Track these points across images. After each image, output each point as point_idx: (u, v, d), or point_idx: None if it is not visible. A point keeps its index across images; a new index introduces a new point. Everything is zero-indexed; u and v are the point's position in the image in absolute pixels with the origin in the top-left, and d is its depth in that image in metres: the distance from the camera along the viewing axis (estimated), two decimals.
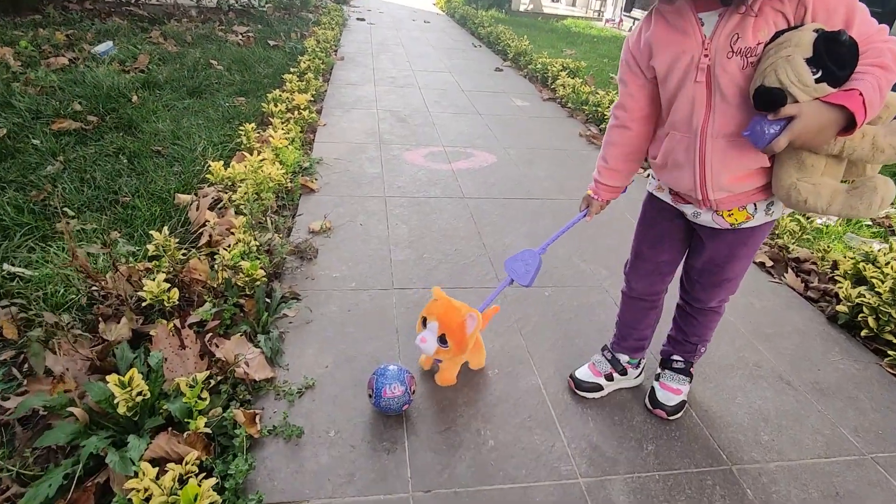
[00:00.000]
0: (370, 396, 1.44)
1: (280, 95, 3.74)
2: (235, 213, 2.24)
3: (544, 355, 1.80)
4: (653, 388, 1.61)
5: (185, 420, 1.32)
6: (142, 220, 2.24)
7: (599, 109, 4.24)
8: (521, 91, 5.23)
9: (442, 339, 1.46)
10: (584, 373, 1.64)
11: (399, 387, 1.43)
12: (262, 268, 1.90)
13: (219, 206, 2.42)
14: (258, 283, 1.82)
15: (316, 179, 2.87)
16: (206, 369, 1.50)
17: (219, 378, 1.48)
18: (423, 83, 5.13)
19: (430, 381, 1.64)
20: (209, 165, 2.58)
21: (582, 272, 2.29)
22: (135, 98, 3.75)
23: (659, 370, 1.64)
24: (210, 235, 2.15)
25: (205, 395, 1.39)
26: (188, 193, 2.50)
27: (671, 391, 1.57)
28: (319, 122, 3.74)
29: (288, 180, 2.64)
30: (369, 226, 2.47)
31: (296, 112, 3.53)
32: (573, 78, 5.05)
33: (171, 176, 2.72)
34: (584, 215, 1.52)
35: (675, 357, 1.60)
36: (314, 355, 1.69)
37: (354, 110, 4.10)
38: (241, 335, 1.63)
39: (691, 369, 1.60)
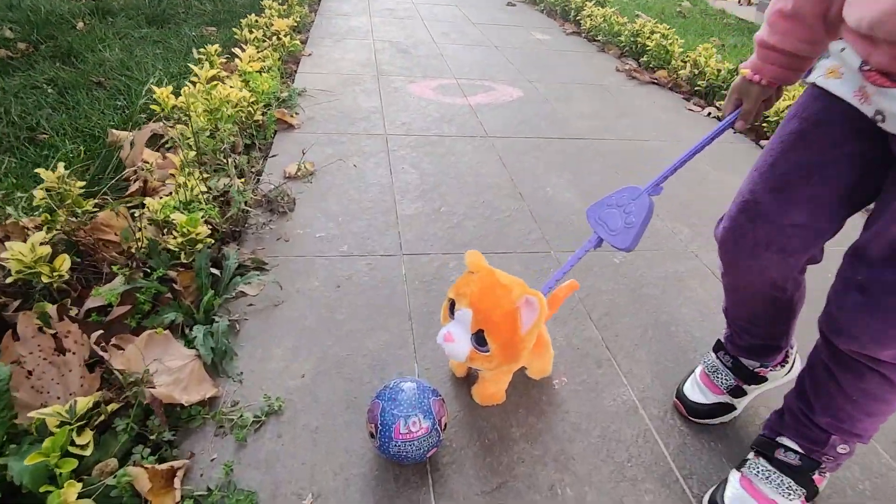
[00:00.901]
0: (373, 435, 0.85)
1: (256, 21, 3.03)
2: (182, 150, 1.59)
3: (632, 353, 1.20)
4: (726, 481, 0.88)
5: (41, 491, 0.73)
6: (60, 163, 1.59)
7: (639, 40, 3.54)
8: (539, 25, 4.50)
9: (479, 338, 0.86)
10: (695, 389, 1.05)
11: (421, 421, 0.83)
12: (208, 223, 1.28)
13: (165, 145, 1.78)
14: (200, 245, 1.21)
15: (297, 114, 2.21)
16: (99, 389, 0.90)
17: (117, 404, 0.88)
18: (426, 15, 4.38)
19: (464, 394, 1.05)
20: (153, 92, 1.92)
21: (656, 231, 1.68)
22: (80, 25, 3.08)
23: (751, 454, 0.90)
24: (145, 181, 1.52)
25: (86, 437, 0.79)
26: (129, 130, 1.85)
27: (759, 500, 0.85)
28: (304, 52, 3.05)
29: (259, 112, 1.98)
30: (366, 169, 1.84)
31: (274, 39, 2.84)
32: (602, 8, 4.32)
33: (111, 111, 2.10)
34: (733, 120, 0.90)
35: (785, 441, 0.87)
36: (284, 358, 1.09)
37: (346, 40, 3.39)
38: (162, 329, 1.02)
39: (815, 476, 0.85)
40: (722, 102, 2.75)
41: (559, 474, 0.92)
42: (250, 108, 1.96)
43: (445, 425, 0.88)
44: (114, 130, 1.88)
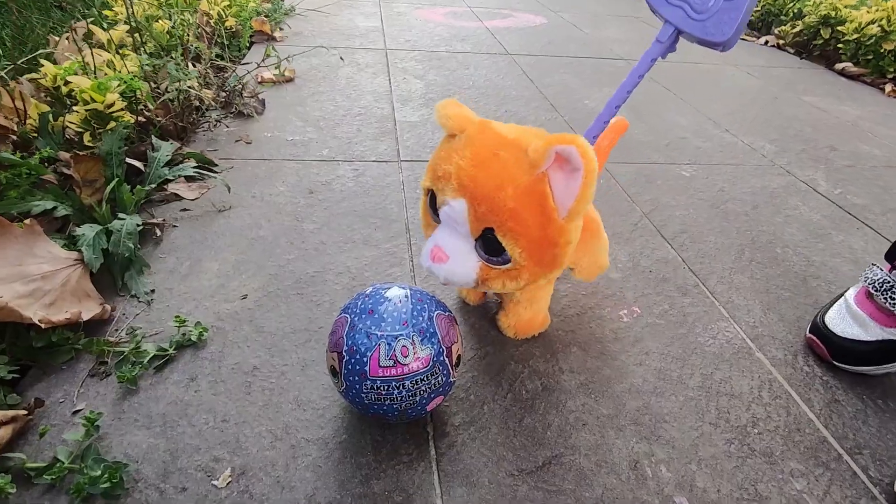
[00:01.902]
0: (335, 373, 0.49)
1: None
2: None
3: (729, 279, 0.84)
4: None
5: None
6: None
7: None
8: None
9: (489, 244, 0.51)
10: (847, 319, 0.68)
11: (417, 346, 0.48)
12: (133, 101, 0.93)
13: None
14: (113, 124, 0.85)
15: (281, 29, 1.85)
16: None
17: None
18: None
19: (486, 325, 0.69)
20: None
21: (731, 145, 1.30)
22: None
23: None
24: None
25: None
26: None
27: None
28: None
29: (232, 19, 1.63)
30: (360, 80, 1.48)
31: None
32: None
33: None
34: None
35: None
36: (222, 275, 0.74)
37: None
38: (26, 223, 0.67)
39: None
40: (783, 29, 2.37)
41: (645, 444, 0.56)
42: (220, 11, 1.60)
43: (459, 359, 0.52)
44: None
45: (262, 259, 0.76)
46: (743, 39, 2.43)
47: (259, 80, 1.38)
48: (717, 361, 0.68)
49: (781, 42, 2.37)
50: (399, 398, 0.47)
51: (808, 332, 0.70)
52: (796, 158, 1.28)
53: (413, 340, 0.47)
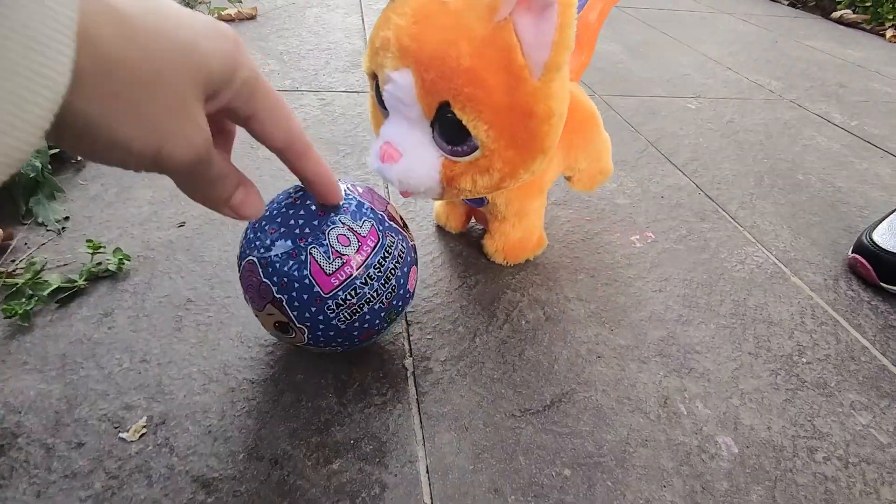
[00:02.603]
0: (287, 329, 0.37)
1: None
2: None
3: (751, 204, 0.73)
4: None
5: None
6: None
7: None
8: None
9: (446, 127, 0.38)
10: (894, 236, 0.57)
11: (353, 225, 0.36)
12: None
13: None
14: None
15: None
16: None
17: None
18: None
19: (473, 255, 0.57)
20: None
21: (736, 81, 1.20)
22: None
23: None
24: None
25: None
26: None
27: None
28: None
29: None
30: (331, 19, 1.34)
31: None
32: None
33: None
34: None
35: None
36: (157, 202, 0.61)
37: None
38: None
39: None
40: None
41: (675, 378, 0.46)
42: None
43: (403, 220, 0.41)
44: None
45: None
46: None
47: (217, 17, 1.24)
48: (749, 287, 0.57)
49: None
50: (375, 294, 0.36)
51: (851, 252, 0.60)
52: (805, 94, 1.18)
53: (342, 222, 0.35)
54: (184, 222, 0.58)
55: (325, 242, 0.34)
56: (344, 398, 0.41)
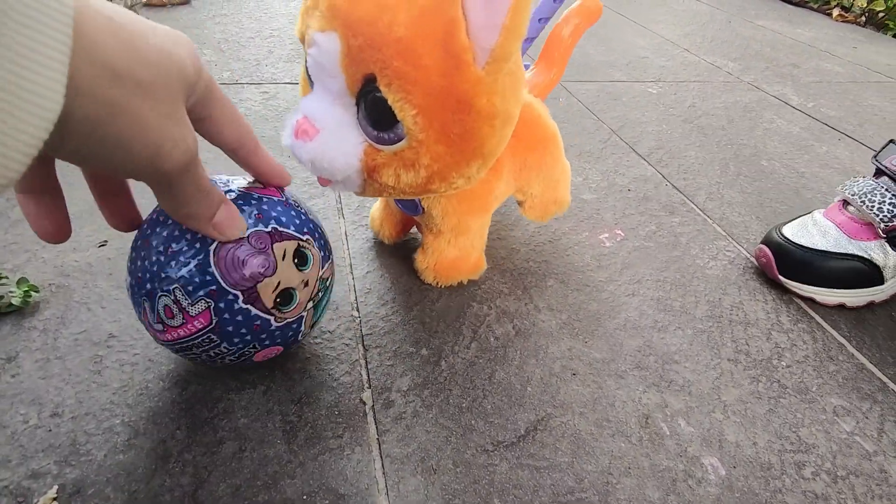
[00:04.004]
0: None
1: None
2: None
3: (719, 194, 0.72)
4: None
5: None
6: None
7: None
8: None
9: (373, 109, 0.33)
10: (807, 230, 0.55)
11: (184, 303, 0.31)
12: None
13: None
14: None
15: None
16: None
17: None
18: None
19: (401, 274, 0.53)
20: None
21: (694, 63, 1.18)
22: None
23: None
24: None
25: None
26: None
27: None
28: None
29: None
30: (272, 4, 1.25)
31: None
32: None
33: None
34: None
35: None
36: (72, 215, 0.53)
37: None
38: None
39: None
40: None
41: (654, 393, 0.43)
42: None
43: (289, 295, 0.33)
44: None
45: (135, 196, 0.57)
46: None
47: (144, 3, 1.13)
48: (723, 285, 0.55)
49: None
50: (202, 355, 0.34)
51: (761, 246, 0.56)
52: (762, 75, 1.18)
53: (174, 296, 0.31)
54: (105, 241, 0.51)
55: (154, 302, 0.32)
56: (294, 444, 0.36)
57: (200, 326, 0.31)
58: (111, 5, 0.21)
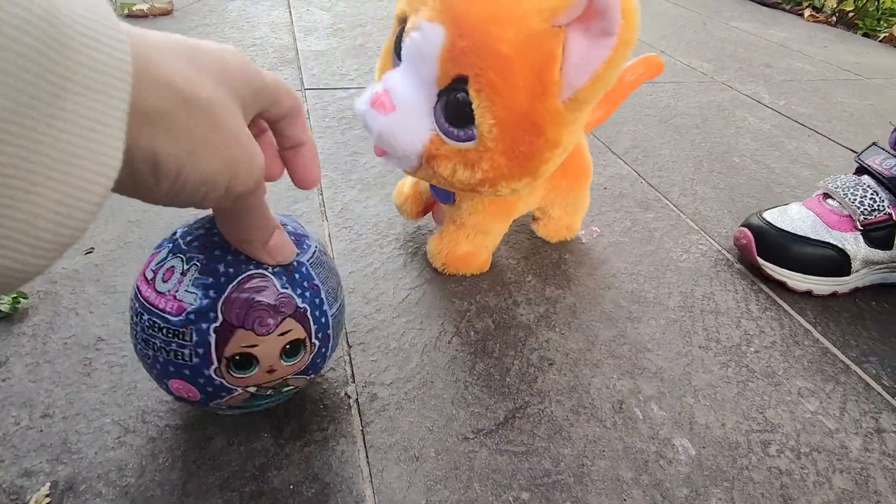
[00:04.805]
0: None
1: None
2: None
3: (692, 190, 0.74)
4: None
5: None
6: None
7: None
8: None
9: (454, 107, 0.37)
10: (788, 216, 0.58)
11: (186, 279, 0.30)
12: None
13: None
14: None
15: None
16: None
17: None
18: None
19: (418, 262, 0.54)
20: None
21: (670, 64, 1.21)
22: None
23: None
24: None
25: None
26: None
27: None
28: None
29: None
30: (255, 12, 1.26)
31: None
32: None
33: None
34: None
35: None
36: None
37: None
38: None
39: None
40: None
41: (628, 380, 0.44)
42: None
43: (249, 360, 0.31)
44: None
45: (121, 202, 0.58)
46: None
47: (126, 14, 1.14)
48: (695, 277, 0.57)
49: None
50: (136, 329, 0.32)
51: (741, 227, 0.59)
52: (736, 75, 1.21)
53: (188, 270, 0.30)
54: (92, 248, 0.52)
55: (167, 256, 0.31)
56: (281, 437, 0.37)
57: (169, 310, 0.30)
58: (155, 33, 0.20)
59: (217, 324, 0.29)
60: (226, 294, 0.29)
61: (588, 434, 0.40)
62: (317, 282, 0.33)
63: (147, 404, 0.38)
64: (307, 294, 0.32)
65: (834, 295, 0.57)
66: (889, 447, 0.42)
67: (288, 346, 0.32)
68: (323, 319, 0.33)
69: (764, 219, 0.58)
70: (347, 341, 0.45)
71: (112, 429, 0.37)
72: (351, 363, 0.43)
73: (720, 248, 0.62)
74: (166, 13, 1.19)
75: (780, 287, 0.57)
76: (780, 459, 0.40)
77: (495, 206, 0.49)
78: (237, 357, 0.30)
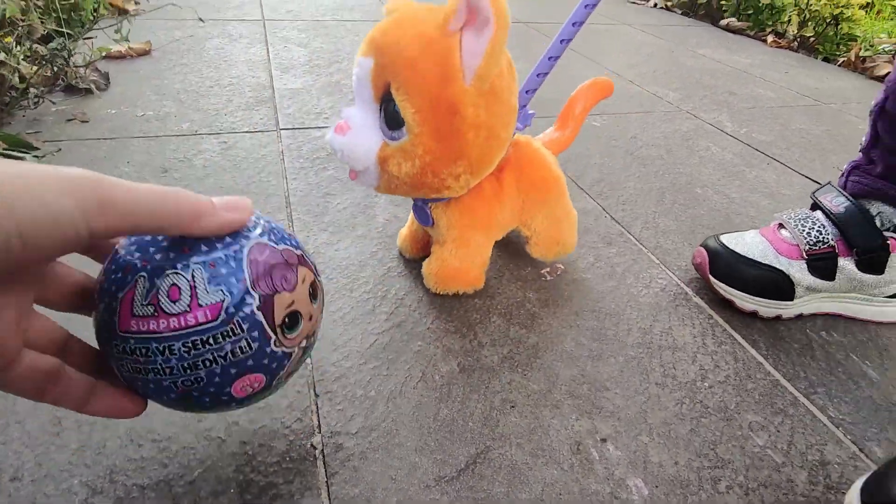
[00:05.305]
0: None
1: None
2: None
3: (654, 223, 0.77)
4: None
5: None
6: None
7: None
8: None
9: (389, 113, 0.45)
10: (742, 241, 0.62)
11: (200, 287, 0.29)
12: None
13: None
14: None
15: (137, 3, 1.60)
16: None
17: None
18: None
19: (388, 304, 0.56)
20: None
21: (638, 94, 1.26)
22: None
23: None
24: None
25: None
26: None
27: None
28: None
29: None
30: (233, 51, 1.29)
31: None
32: None
33: None
34: None
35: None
36: None
37: None
38: None
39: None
40: None
41: (586, 420, 0.46)
42: None
43: (295, 318, 0.33)
44: None
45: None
46: (633, 3, 2.46)
47: (104, 55, 1.16)
48: (654, 312, 0.59)
49: (669, 3, 2.42)
50: (166, 370, 0.29)
51: (700, 247, 0.63)
52: (700, 103, 1.26)
53: (193, 277, 0.28)
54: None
55: (156, 281, 0.28)
56: (247, 493, 0.38)
57: (204, 320, 0.28)
58: None
59: (257, 301, 0.30)
60: (245, 272, 0.29)
61: (546, 477, 0.41)
62: (290, 233, 0.35)
63: (115, 462, 0.39)
64: (293, 241, 0.34)
65: (778, 318, 0.60)
66: (833, 480, 0.44)
67: (311, 290, 0.34)
68: (311, 260, 0.36)
69: (720, 241, 0.62)
70: (315, 391, 0.46)
71: (80, 490, 0.37)
72: (318, 413, 0.44)
73: (679, 283, 0.65)
74: (144, 53, 1.21)
75: (733, 312, 0.59)
76: (729, 496, 0.42)
77: (467, 216, 0.53)
78: (286, 320, 0.32)
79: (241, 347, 0.30)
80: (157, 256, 0.29)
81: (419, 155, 0.45)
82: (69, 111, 0.91)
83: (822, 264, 0.58)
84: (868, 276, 0.58)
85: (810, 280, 0.58)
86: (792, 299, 0.59)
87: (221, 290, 0.29)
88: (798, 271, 0.58)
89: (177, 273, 0.28)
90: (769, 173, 0.95)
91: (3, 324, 0.25)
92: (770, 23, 2.07)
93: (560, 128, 0.66)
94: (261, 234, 0.32)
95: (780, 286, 0.58)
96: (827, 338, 0.59)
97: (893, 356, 0.57)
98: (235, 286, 0.29)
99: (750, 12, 2.12)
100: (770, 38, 1.97)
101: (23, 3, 1.27)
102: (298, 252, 0.34)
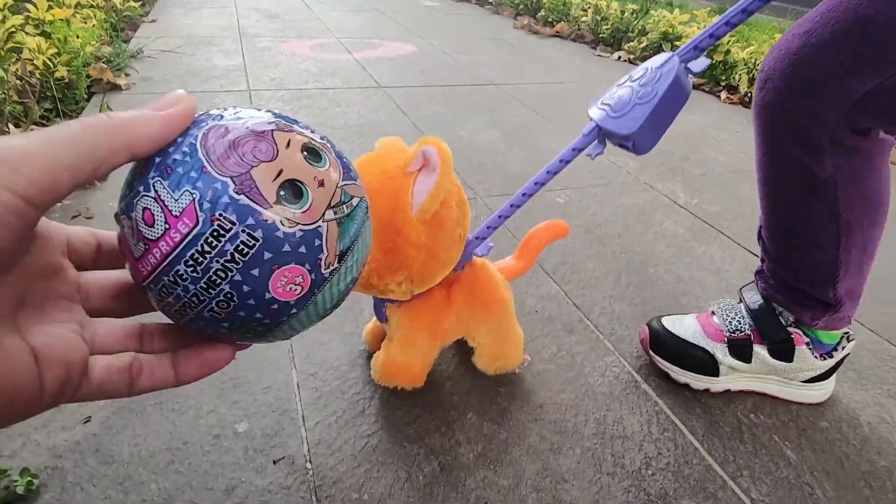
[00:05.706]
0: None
1: None
2: None
3: (610, 308, 0.86)
4: None
5: None
6: None
7: None
8: None
9: None
10: (680, 324, 0.74)
11: (166, 199, 0.24)
12: None
13: None
14: None
15: (127, 74, 1.68)
16: None
17: None
18: None
19: (374, 407, 0.64)
20: None
21: (598, 164, 1.37)
22: None
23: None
24: None
25: None
26: None
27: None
28: (145, 18, 2.48)
29: (63, 68, 1.44)
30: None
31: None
32: None
33: None
34: None
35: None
36: None
37: (202, 9, 2.85)
38: None
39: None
40: (631, 45, 2.59)
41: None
42: (48, 60, 1.42)
43: (297, 185, 0.25)
44: None
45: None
46: (599, 56, 2.62)
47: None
48: (608, 402, 0.68)
49: (632, 57, 2.59)
50: (193, 300, 0.25)
51: (645, 325, 0.76)
52: (657, 172, 1.38)
53: (156, 191, 0.24)
54: (89, 417, 0.60)
55: (131, 214, 0.25)
56: None
57: (186, 230, 0.24)
58: None
59: (232, 185, 0.24)
60: (203, 159, 0.24)
61: None
62: (268, 110, 0.28)
63: None
64: (269, 114, 0.27)
65: (707, 391, 0.71)
66: None
67: (306, 153, 0.26)
68: (301, 123, 0.28)
69: (661, 322, 0.74)
70: (316, 495, 0.54)
71: None
72: None
73: (630, 370, 0.74)
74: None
75: (675, 398, 0.69)
76: None
77: (415, 319, 0.61)
78: (282, 192, 0.25)
79: (244, 242, 0.24)
80: (127, 192, 0.25)
81: (368, 262, 0.53)
82: (73, 207, 0.98)
83: (739, 348, 0.69)
84: (780, 362, 0.68)
85: (731, 360, 0.69)
86: (717, 375, 0.70)
87: (187, 191, 0.24)
88: (721, 352, 0.70)
89: (142, 196, 0.24)
90: (716, 248, 1.06)
91: (58, 348, 0.23)
92: (724, 78, 2.23)
93: (518, 258, 0.73)
94: (217, 119, 0.26)
95: (706, 363, 0.70)
96: (755, 420, 0.68)
97: (810, 437, 0.67)
98: (198, 178, 0.24)
99: None
100: (724, 94, 2.13)
101: (18, 83, 1.35)
102: (273, 120, 0.27)
